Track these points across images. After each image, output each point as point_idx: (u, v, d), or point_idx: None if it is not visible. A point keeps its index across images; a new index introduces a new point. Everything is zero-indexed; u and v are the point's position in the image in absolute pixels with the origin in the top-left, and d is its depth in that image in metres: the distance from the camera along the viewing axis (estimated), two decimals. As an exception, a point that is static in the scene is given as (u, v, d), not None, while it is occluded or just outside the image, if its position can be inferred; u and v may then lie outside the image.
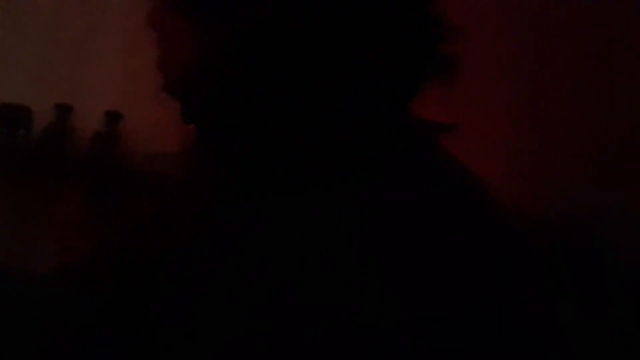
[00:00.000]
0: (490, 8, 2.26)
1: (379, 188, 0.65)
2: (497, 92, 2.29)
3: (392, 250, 0.60)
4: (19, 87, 2.36)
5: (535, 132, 2.30)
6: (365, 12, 0.68)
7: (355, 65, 0.68)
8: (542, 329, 0.63)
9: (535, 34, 2.29)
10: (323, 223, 0.64)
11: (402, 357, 0.57)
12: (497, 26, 2.26)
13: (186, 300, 0.68)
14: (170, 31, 0.72)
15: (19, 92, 2.34)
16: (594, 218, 2.13)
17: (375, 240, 0.61)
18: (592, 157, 2.25)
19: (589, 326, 1.69)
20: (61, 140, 2.32)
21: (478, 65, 2.23)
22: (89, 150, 2.36)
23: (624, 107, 2.24)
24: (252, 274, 0.64)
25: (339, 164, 0.68)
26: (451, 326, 0.59)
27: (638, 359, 1.73)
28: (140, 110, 2.19)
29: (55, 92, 2.38)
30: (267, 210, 0.68)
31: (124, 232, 0.83)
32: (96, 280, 0.81)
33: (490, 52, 2.25)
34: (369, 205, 0.63)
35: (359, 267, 0.60)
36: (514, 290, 0.63)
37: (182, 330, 0.66)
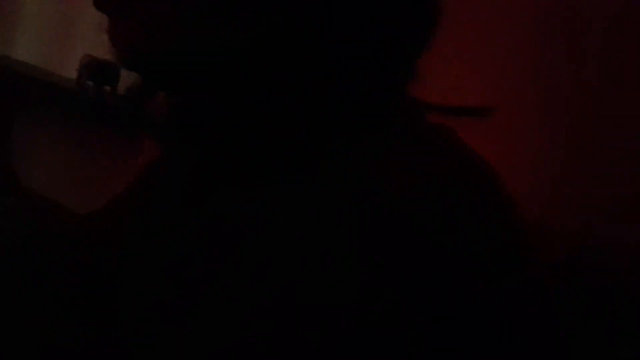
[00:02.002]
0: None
1: (377, 181, 0.63)
2: (500, 89, 2.11)
3: (393, 249, 0.59)
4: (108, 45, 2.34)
5: (540, 130, 2.15)
6: None
7: (343, 43, 0.66)
8: (544, 329, 0.64)
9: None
10: (322, 221, 0.62)
11: (402, 357, 0.57)
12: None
13: (185, 300, 0.68)
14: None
15: (108, 49, 2.33)
16: (594, 215, 2.11)
17: (375, 239, 0.59)
18: (592, 157, 2.14)
19: (590, 325, 1.78)
20: (143, 100, 2.37)
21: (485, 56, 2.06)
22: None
23: (626, 106, 2.05)
24: (251, 273, 0.63)
25: (326, 148, 0.66)
26: (451, 326, 0.58)
27: (638, 358, 1.81)
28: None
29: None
30: (264, 205, 0.67)
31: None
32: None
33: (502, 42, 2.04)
34: (369, 203, 0.61)
35: (359, 267, 0.59)
36: (516, 291, 0.63)
37: (182, 330, 0.66)
